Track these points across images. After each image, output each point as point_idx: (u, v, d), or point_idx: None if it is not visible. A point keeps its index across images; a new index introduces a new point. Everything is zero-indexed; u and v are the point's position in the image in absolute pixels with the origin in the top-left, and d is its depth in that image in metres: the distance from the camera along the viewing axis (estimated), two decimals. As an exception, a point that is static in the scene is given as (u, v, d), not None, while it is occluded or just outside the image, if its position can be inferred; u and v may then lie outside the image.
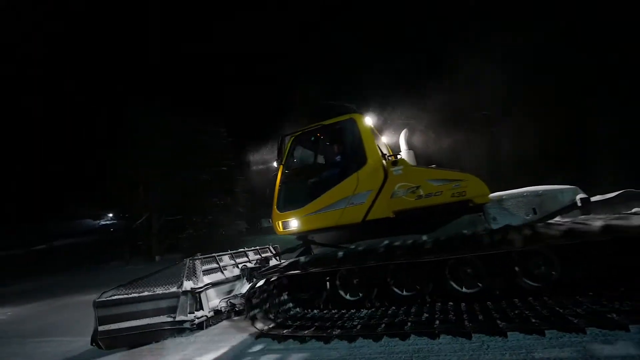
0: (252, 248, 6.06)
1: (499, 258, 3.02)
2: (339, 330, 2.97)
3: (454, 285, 3.24)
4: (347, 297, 3.69)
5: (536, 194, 3.77)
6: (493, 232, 2.97)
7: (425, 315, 2.98)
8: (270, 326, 3.28)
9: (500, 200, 3.85)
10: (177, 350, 3.43)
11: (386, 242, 3.45)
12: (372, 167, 3.76)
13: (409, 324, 2.82)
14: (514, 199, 3.82)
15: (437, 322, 2.72)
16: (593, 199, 4.14)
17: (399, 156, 3.99)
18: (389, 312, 3.30)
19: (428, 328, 2.66)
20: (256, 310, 3.45)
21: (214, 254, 5.02)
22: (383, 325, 2.89)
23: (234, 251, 5.49)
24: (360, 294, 3.61)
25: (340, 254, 3.35)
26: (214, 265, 4.91)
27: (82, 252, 27.74)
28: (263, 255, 5.91)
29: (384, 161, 3.82)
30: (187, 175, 23.58)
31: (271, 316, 3.48)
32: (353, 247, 3.82)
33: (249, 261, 5.60)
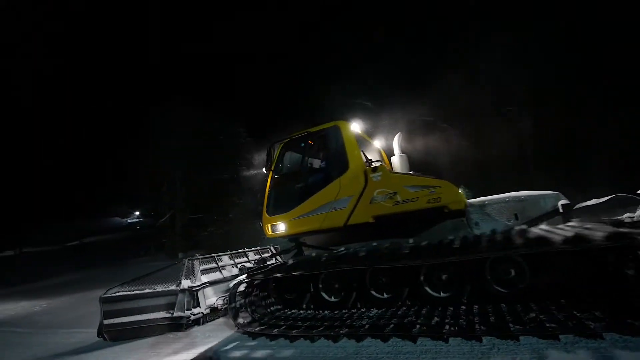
0: (253, 248, 6.36)
1: (468, 265, 3.09)
2: (322, 329, 3.16)
3: (428, 289, 3.35)
4: (330, 299, 3.88)
5: (518, 200, 3.79)
6: (462, 239, 3.06)
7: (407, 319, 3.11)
8: (248, 321, 3.54)
9: (482, 205, 3.90)
10: (170, 344, 3.76)
11: (364, 246, 3.61)
12: (353, 174, 3.91)
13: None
14: (496, 205, 3.85)
15: (418, 325, 2.84)
16: (585, 203, 4.09)
17: (381, 162, 4.12)
18: (370, 314, 3.46)
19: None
20: (237, 307, 3.71)
21: (213, 255, 5.35)
22: (367, 326, 3.04)
23: (234, 251, 5.81)
24: (341, 296, 3.79)
25: (324, 257, 3.55)
26: (213, 265, 5.25)
27: (111, 248, 29.44)
28: (263, 255, 6.19)
29: (365, 168, 3.96)
30: (208, 175, 24.48)
31: (253, 314, 3.73)
32: (342, 249, 4.02)
33: (249, 261, 5.90)
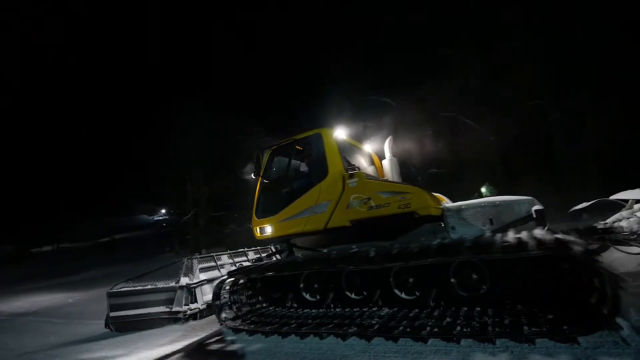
0: (253, 248, 6.74)
1: (433, 269, 3.25)
2: (294, 326, 3.45)
3: (397, 291, 3.53)
4: (310, 298, 4.14)
5: (493, 205, 3.86)
6: (424, 244, 3.22)
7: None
8: (230, 317, 3.88)
9: (459, 210, 4.00)
10: (165, 336, 4.18)
11: (335, 249, 3.85)
12: (332, 179, 4.13)
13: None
14: (472, 209, 3.94)
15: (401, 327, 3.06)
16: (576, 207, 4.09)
17: (357, 169, 4.33)
18: (345, 313, 3.69)
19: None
20: (220, 305, 4.07)
21: (212, 254, 5.77)
22: (331, 325, 3.29)
23: (233, 251, 6.21)
24: (320, 296, 4.04)
25: (301, 259, 3.82)
26: (212, 263, 5.66)
27: (138, 245, 31.21)
28: (262, 255, 6.54)
29: (344, 174, 4.16)
30: (229, 173, 25.41)
31: (237, 311, 4.06)
32: (325, 251, 4.27)
33: (247, 260, 6.28)
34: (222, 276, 5.47)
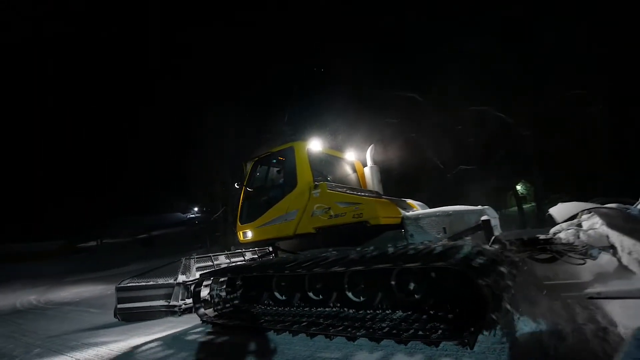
0: (250, 249, 7.36)
1: (377, 274, 3.61)
2: (262, 322, 3.99)
3: (349, 294, 3.93)
4: (280, 297, 4.64)
5: (446, 214, 4.12)
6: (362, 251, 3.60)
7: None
8: (206, 312, 4.51)
9: (417, 218, 4.30)
10: (160, 325, 4.91)
11: (307, 254, 4.32)
12: (300, 190, 4.60)
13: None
14: (428, 218, 4.23)
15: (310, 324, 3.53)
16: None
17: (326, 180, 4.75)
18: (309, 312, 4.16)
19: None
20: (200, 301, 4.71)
21: (210, 254, 6.47)
22: (287, 323, 3.79)
23: (230, 252, 6.87)
24: (288, 296, 4.53)
25: (256, 264, 4.36)
26: (209, 263, 6.36)
27: (173, 241, 33.59)
28: (259, 255, 7.15)
29: (311, 185, 4.60)
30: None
31: (215, 307, 4.68)
32: (302, 254, 4.77)
33: (244, 260, 6.92)
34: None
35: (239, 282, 5.00)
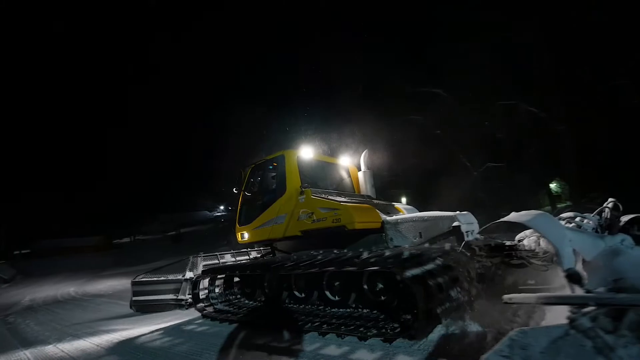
0: (256, 248, 7.89)
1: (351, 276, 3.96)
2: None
3: (328, 294, 4.30)
4: (269, 295, 5.10)
5: (422, 220, 4.37)
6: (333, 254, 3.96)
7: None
8: (203, 307, 5.07)
9: (396, 223, 4.59)
10: (168, 317, 5.54)
11: (293, 256, 4.75)
12: (288, 196, 5.01)
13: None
14: (406, 223, 4.50)
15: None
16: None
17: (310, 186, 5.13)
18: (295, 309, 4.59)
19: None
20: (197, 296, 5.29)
21: (216, 253, 7.07)
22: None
23: (236, 251, 7.44)
24: (276, 294, 4.97)
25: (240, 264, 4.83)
26: (215, 261, 6.95)
27: (199, 238, 35.34)
28: (264, 254, 7.66)
29: (298, 191, 4.99)
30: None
31: (212, 301, 5.23)
32: (294, 254, 5.21)
33: (249, 259, 7.46)
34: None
35: (236, 281, 5.54)
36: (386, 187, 31.42)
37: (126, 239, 43.31)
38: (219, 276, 5.38)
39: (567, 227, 3.01)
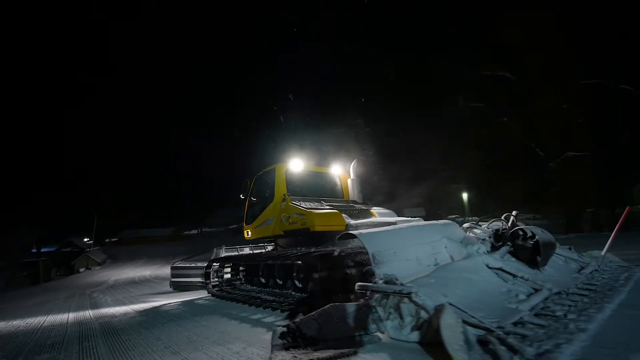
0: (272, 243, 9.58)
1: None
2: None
3: (297, 282, 5.73)
4: (263, 281, 6.71)
5: (373, 224, 5.52)
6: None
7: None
8: (212, 287, 6.90)
9: (357, 227, 5.81)
10: (194, 295, 7.57)
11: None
12: (276, 201, 6.52)
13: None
14: (364, 227, 5.69)
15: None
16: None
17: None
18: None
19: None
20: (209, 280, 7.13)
21: (236, 246, 8.96)
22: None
23: (254, 244, 9.23)
24: (263, 280, 6.56)
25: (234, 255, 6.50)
26: (235, 253, 8.83)
27: (222, 236, 39.28)
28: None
29: (283, 197, 6.46)
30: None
31: (220, 284, 7.04)
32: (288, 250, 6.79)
33: (265, 251, 9.20)
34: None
35: (242, 269, 7.30)
36: (444, 182, 31.06)
37: (194, 231, 50.68)
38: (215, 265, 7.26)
39: (445, 237, 4.00)
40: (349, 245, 5.04)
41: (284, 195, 6.42)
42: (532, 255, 3.95)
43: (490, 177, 27.18)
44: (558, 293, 3.42)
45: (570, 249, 5.17)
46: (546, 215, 29.17)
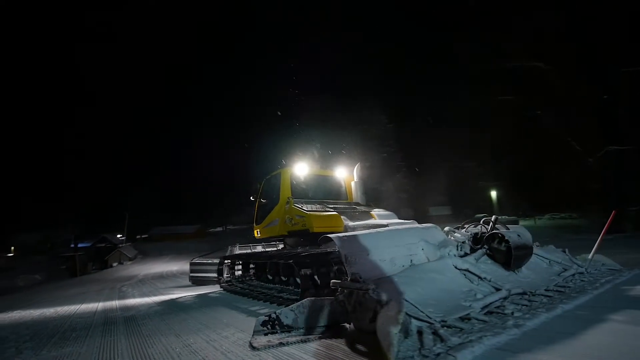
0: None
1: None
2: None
3: (282, 277, 6.30)
4: (269, 277, 7.36)
5: (367, 226, 6.00)
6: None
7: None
8: (228, 284, 7.64)
9: (353, 228, 6.31)
10: (209, 289, 8.37)
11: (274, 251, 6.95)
12: (281, 204, 7.12)
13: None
14: (361, 229, 6.17)
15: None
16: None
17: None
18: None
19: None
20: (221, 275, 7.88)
21: (249, 244, 9.70)
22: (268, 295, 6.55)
23: (267, 242, 9.93)
24: (270, 277, 7.20)
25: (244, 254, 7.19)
26: (248, 250, 9.57)
27: (245, 234, 40.53)
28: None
29: (287, 200, 7.07)
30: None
31: (232, 279, 7.77)
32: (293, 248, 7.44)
33: (277, 249, 9.88)
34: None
35: (251, 265, 8.01)
36: (469, 177, 30.57)
37: (219, 228, 53.69)
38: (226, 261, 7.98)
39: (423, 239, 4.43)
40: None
41: (288, 198, 7.02)
42: (507, 257, 4.30)
43: (522, 174, 26.58)
44: (523, 294, 3.78)
45: (564, 251, 5.42)
46: (585, 214, 28.08)
